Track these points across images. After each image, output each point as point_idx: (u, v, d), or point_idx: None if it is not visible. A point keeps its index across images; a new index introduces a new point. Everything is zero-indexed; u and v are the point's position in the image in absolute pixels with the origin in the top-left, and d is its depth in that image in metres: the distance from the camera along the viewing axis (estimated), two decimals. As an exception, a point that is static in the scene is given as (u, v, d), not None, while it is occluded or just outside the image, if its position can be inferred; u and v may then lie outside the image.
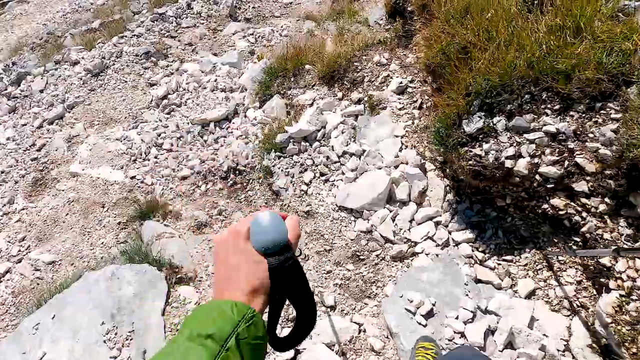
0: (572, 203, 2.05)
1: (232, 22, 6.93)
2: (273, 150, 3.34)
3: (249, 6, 7.49)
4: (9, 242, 3.57)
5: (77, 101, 5.18)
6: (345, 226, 2.74)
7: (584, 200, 2.01)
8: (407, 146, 2.95)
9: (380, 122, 3.14)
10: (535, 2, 2.33)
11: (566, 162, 2.03)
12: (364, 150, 2.97)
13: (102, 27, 7.53)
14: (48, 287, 3.07)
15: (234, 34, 6.55)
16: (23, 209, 3.89)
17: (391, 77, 3.63)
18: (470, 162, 2.23)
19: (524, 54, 2.16)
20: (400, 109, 3.31)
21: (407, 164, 2.82)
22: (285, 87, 4.32)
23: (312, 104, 4.01)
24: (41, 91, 5.63)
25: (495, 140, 2.20)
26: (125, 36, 6.26)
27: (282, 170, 3.21)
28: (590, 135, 2.01)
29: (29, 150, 4.63)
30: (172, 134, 4.14)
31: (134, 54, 5.81)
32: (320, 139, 3.23)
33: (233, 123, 4.21)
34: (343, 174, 2.98)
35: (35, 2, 12.22)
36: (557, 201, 2.10)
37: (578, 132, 2.03)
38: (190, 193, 3.59)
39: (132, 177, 3.83)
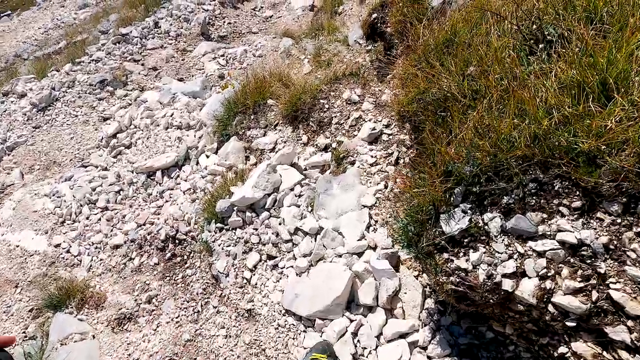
0: (605, 355, 1.35)
1: (203, 42, 6.29)
2: (214, 220, 2.67)
3: (224, 22, 6.85)
4: None
5: (18, 141, 4.56)
6: (293, 338, 2.06)
7: (624, 355, 1.31)
8: (377, 222, 2.27)
9: (345, 185, 2.46)
10: (541, 44, 1.63)
11: (594, 293, 1.34)
12: (320, 228, 2.29)
13: (66, 48, 6.95)
14: None
15: (203, 55, 5.92)
16: None
17: (363, 120, 2.94)
18: (451, 278, 1.55)
19: (526, 123, 1.47)
20: (372, 165, 2.62)
21: (375, 248, 2.14)
22: (244, 126, 3.65)
23: (273, 149, 3.34)
24: (-15, 128, 5.02)
25: (487, 248, 1.51)
26: (82, 62, 5.64)
27: (222, 249, 2.54)
28: (632, 254, 1.31)
29: (-44, 203, 4.01)
30: (109, 188, 3.49)
31: (87, 83, 5.19)
32: (271, 208, 2.55)
33: (183, 171, 3.55)
34: (295, 258, 2.30)
35: (20, 18, 11.72)
36: (582, 346, 1.40)
37: (611, 247, 1.34)
38: (121, 268, 2.93)
39: (57, 245, 3.18)
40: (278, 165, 2.78)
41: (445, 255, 1.60)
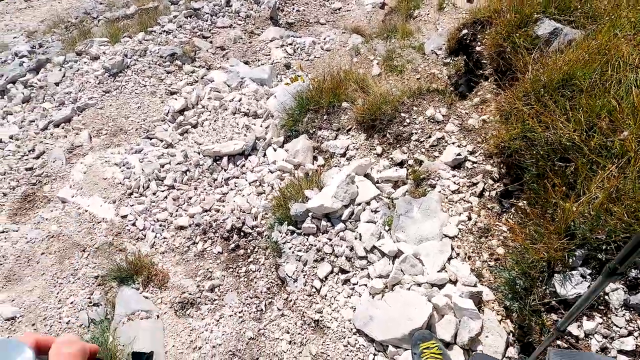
0: None
1: (271, 26, 6.27)
2: (286, 221, 2.67)
3: (293, 9, 6.79)
4: (-24, 276, 3.09)
5: (88, 103, 4.68)
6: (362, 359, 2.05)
7: None
8: (458, 255, 2.22)
9: (426, 210, 2.41)
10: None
11: None
12: (399, 252, 2.26)
13: (137, 14, 7.05)
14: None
15: (271, 41, 5.89)
16: (3, 232, 3.41)
17: (446, 142, 2.87)
18: (558, 341, 1.50)
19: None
20: (454, 192, 2.56)
21: (455, 283, 2.10)
22: (315, 125, 3.63)
23: (344, 154, 3.31)
24: (57, 84, 5.17)
25: (605, 319, 1.45)
26: (154, 31, 5.72)
27: (293, 252, 2.54)
28: None
29: (27, 156, 4.17)
30: (177, 167, 3.54)
31: (158, 54, 5.26)
32: (347, 220, 2.53)
33: (249, 161, 3.57)
34: (369, 277, 2.28)
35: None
36: None
37: None
38: (184, 251, 2.98)
39: (124, 217, 3.27)
40: (355, 175, 2.75)
41: (554, 317, 1.54)
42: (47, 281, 2.93)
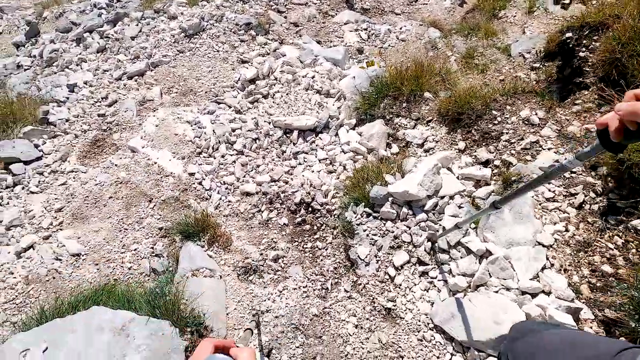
0: None
1: (346, 10, 6.15)
2: (362, 203, 2.57)
3: (370, -5, 6.63)
4: (45, 209, 3.16)
5: (162, 60, 4.72)
6: (437, 357, 1.93)
7: None
8: (552, 265, 2.05)
9: (518, 214, 2.25)
10: None
11: None
12: (487, 252, 2.11)
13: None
14: (61, 290, 2.59)
15: (345, 24, 5.77)
16: (72, 172, 3.48)
17: (541, 146, 2.68)
18: None
19: None
20: (548, 199, 2.38)
21: (549, 294, 1.94)
22: (393, 112, 3.50)
23: (422, 145, 3.17)
24: (132, 38, 5.26)
25: None
26: (231, -1, 5.70)
27: (367, 235, 2.44)
28: None
29: (99, 102, 4.25)
30: (248, 134, 3.50)
31: (234, 22, 5.24)
32: (430, 211, 2.40)
33: (320, 139, 3.48)
34: (451, 274, 2.15)
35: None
36: None
37: None
38: (249, 217, 2.94)
39: (191, 174, 3.26)
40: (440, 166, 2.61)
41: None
42: (113, 225, 2.95)
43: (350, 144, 3.31)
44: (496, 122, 2.93)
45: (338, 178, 3.06)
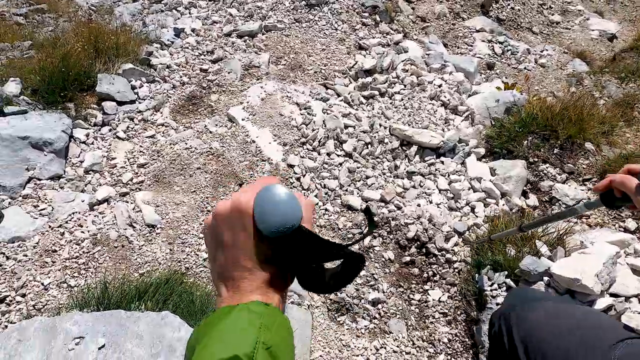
0: None
1: (480, 15, 5.44)
2: (504, 271, 2.02)
3: (508, 5, 5.85)
4: (128, 160, 2.87)
5: (277, 26, 4.31)
6: None
7: None
8: None
9: None
10: None
11: None
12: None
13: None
14: (128, 263, 2.27)
15: (477, 31, 5.09)
16: (162, 125, 3.17)
17: None
18: None
19: None
20: None
21: None
22: (539, 155, 2.88)
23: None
24: (248, -7, 4.86)
25: None
26: (361, -24, 5.15)
27: (505, 316, 1.90)
28: None
29: (204, 56, 3.91)
30: (362, 135, 3.02)
31: (360, 1, 4.71)
32: (604, 311, 1.82)
33: (442, 163, 2.94)
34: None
35: None
36: None
37: None
38: (348, 237, 2.48)
39: (290, 166, 2.83)
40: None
41: None
42: (197, 202, 2.60)
43: (481, 181, 2.74)
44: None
45: (461, 220, 2.52)
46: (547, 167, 2.79)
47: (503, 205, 2.65)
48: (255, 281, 0.52)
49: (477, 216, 2.51)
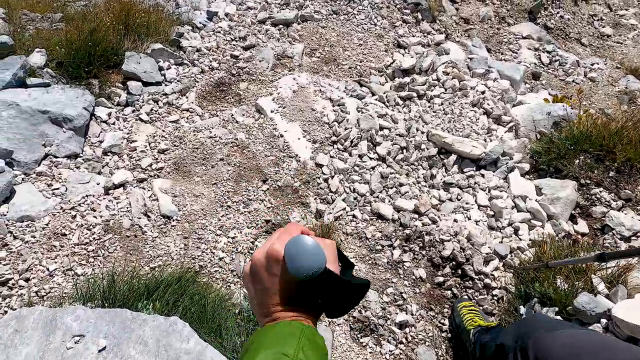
0: None
1: (527, 22, 5.13)
2: (553, 306, 1.79)
3: (557, 13, 5.52)
4: (149, 144, 2.72)
5: (313, 16, 4.11)
6: None
7: None
8: None
9: None
10: None
11: None
12: None
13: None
14: (138, 254, 2.11)
15: (524, 37, 4.79)
16: (187, 111, 3.01)
17: None
18: None
19: None
20: None
21: None
22: (593, 177, 2.61)
23: (629, 239, 2.29)
24: (286, -19, 4.67)
25: None
26: (405, -29, 4.91)
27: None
28: None
29: (236, 42, 3.74)
30: (397, 139, 2.80)
31: (403, -3, 4.48)
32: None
33: (482, 176, 2.70)
34: None
35: None
36: None
37: None
38: (376, 249, 2.27)
39: (318, 165, 2.64)
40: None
41: None
42: (217, 195, 2.43)
43: (526, 200, 2.50)
44: None
45: (502, 242, 2.29)
46: (600, 191, 2.53)
47: (549, 228, 2.40)
48: (289, 313, 0.62)
49: (520, 239, 2.28)
